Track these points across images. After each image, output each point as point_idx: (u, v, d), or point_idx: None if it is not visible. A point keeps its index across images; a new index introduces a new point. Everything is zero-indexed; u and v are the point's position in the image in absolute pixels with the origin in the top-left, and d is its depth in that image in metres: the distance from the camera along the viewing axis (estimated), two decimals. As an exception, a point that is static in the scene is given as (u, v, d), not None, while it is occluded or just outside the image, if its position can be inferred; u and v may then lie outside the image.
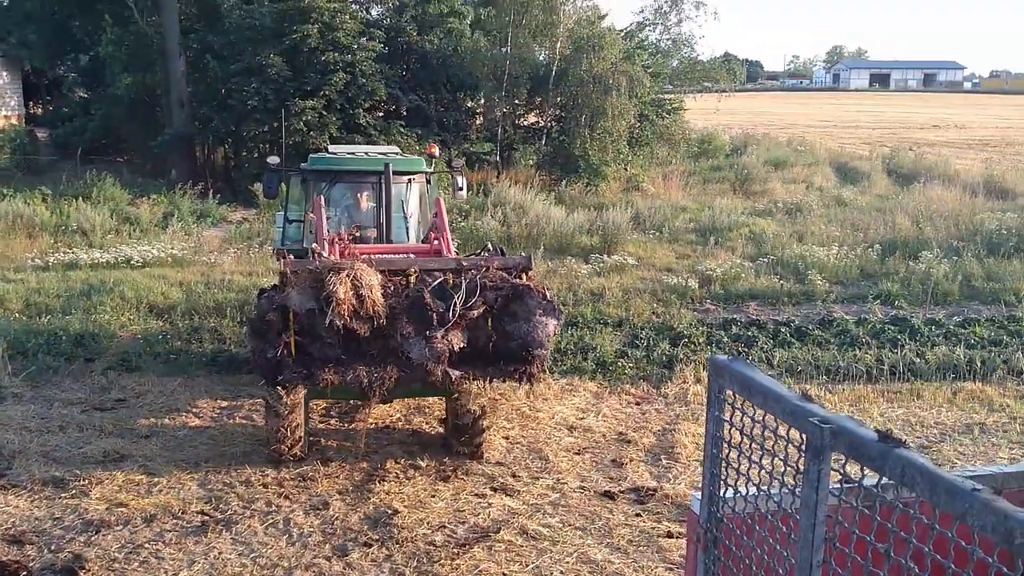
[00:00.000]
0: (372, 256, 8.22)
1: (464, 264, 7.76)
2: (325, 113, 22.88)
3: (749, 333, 12.33)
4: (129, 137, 28.80)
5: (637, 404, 10.18)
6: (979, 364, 11.03)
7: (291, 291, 7.32)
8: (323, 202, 9.67)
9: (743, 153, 31.27)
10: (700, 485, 3.12)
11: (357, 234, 9.45)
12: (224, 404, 9.90)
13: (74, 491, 7.68)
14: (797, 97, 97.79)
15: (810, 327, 12.63)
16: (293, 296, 7.30)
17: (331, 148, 12.59)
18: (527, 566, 6.65)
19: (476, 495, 7.81)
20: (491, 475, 8.21)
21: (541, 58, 26.20)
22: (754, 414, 2.76)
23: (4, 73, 32.16)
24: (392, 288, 7.55)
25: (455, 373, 7.54)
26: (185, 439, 8.93)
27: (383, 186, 9.50)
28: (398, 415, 9.62)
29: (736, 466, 2.89)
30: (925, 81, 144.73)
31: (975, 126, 51.52)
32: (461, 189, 11.62)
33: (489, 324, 7.64)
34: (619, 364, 11.15)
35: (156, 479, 7.96)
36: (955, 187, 23.57)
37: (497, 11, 26.08)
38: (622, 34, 27.50)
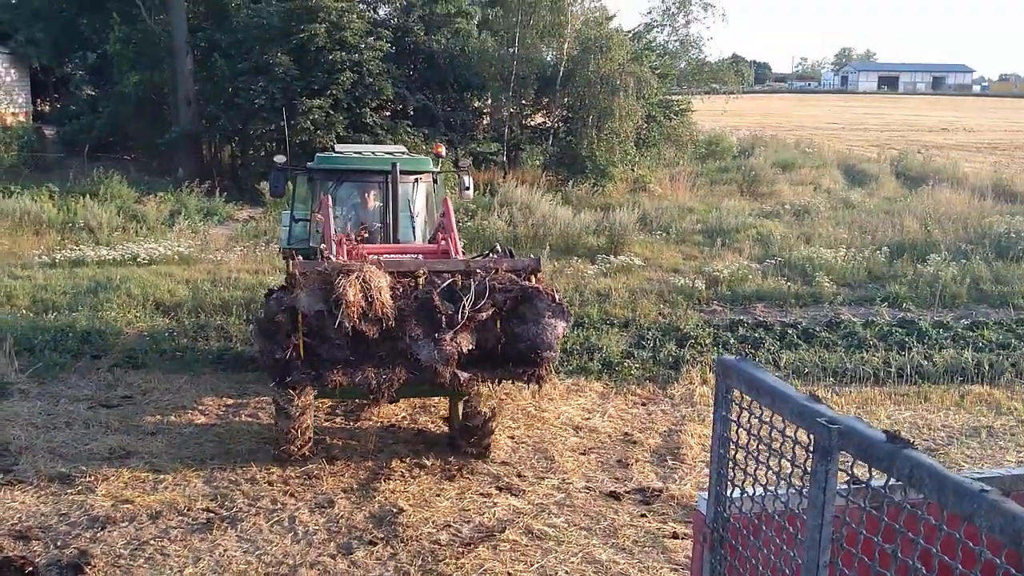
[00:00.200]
0: (380, 257, 8.22)
1: (473, 266, 7.76)
2: (332, 112, 22.93)
3: (756, 335, 12.31)
4: (136, 135, 28.84)
5: (643, 405, 10.17)
6: (987, 367, 11.00)
7: (300, 293, 7.33)
8: (330, 202, 9.66)
9: (751, 155, 31.22)
10: (706, 485, 3.11)
11: (366, 235, 9.44)
12: (230, 402, 9.92)
13: (80, 487, 7.70)
14: (805, 99, 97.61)
15: (817, 329, 12.60)
16: (302, 298, 7.31)
17: (338, 147, 12.57)
18: (532, 566, 6.64)
19: (481, 494, 7.81)
20: (496, 475, 8.20)
21: (548, 59, 26.18)
22: (761, 414, 2.75)
23: (12, 70, 32.24)
24: (401, 290, 7.55)
25: (464, 375, 7.55)
26: (191, 436, 8.95)
27: (390, 185, 9.49)
28: (404, 414, 9.63)
29: (743, 466, 2.88)
30: (934, 84, 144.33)
31: (984, 129, 51.36)
32: (468, 189, 11.61)
33: (498, 326, 7.64)
34: (625, 365, 11.14)
35: (162, 476, 7.97)
36: (964, 190, 23.44)
37: (505, 11, 26.09)
38: (630, 35, 27.46)
